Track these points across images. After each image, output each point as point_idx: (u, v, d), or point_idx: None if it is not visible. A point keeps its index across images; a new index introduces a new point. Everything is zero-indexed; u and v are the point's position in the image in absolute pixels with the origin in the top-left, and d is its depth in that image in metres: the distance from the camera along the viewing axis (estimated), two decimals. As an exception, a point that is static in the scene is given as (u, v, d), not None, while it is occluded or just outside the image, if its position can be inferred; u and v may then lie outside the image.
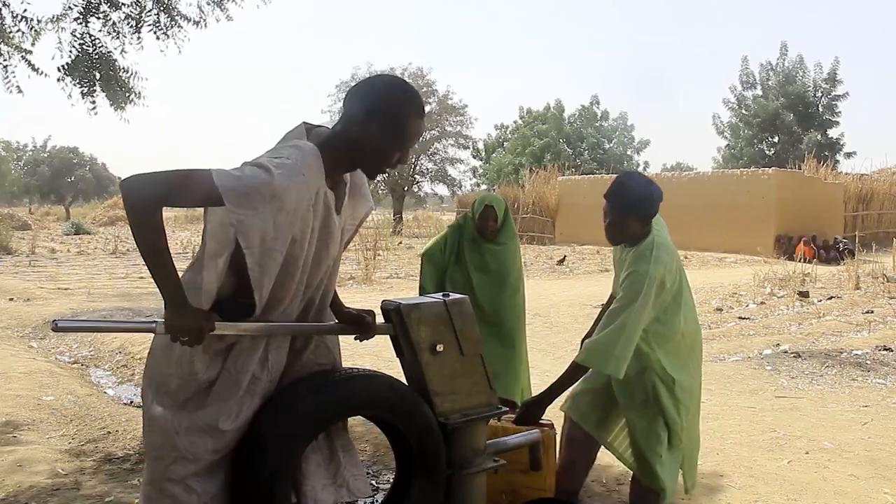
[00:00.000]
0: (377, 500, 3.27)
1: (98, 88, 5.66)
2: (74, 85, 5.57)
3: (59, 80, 5.51)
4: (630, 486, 2.85)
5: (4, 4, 5.29)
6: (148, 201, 1.71)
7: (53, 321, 1.82)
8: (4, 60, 5.43)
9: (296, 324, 2.04)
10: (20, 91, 5.56)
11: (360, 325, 2.22)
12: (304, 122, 1.98)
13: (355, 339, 2.26)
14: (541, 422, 2.75)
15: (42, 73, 5.52)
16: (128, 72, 5.76)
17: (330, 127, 1.97)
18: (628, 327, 2.52)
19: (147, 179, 1.71)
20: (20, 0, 5.45)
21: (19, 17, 5.29)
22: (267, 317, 1.92)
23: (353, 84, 1.92)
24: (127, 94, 5.80)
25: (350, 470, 2.18)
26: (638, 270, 2.57)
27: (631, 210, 2.68)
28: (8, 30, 5.33)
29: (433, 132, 36.27)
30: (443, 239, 3.76)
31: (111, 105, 5.82)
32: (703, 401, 5.16)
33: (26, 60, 5.47)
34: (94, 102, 5.69)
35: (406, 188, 36.44)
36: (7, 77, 5.49)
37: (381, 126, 1.87)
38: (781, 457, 4.01)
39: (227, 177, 1.71)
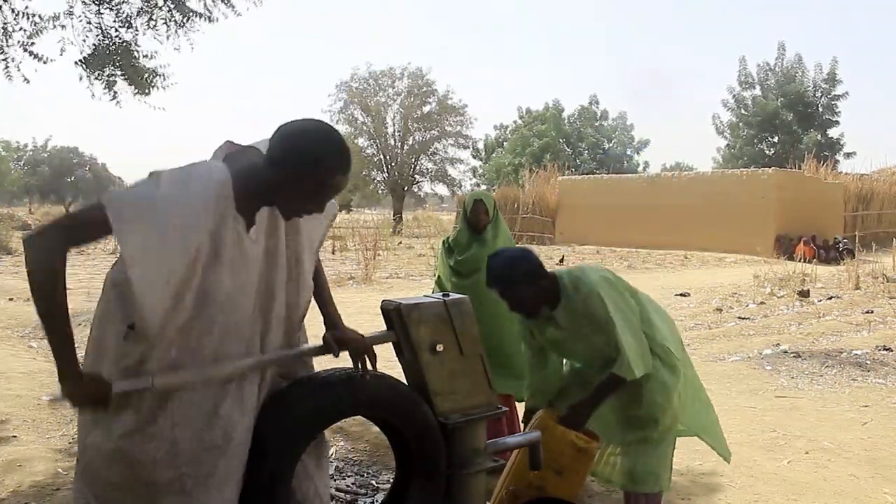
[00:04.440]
0: (377, 500, 3.27)
1: (119, 79, 5.66)
2: (96, 78, 5.57)
3: (81, 78, 5.51)
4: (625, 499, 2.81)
5: (5, 1, 5.29)
6: (52, 246, 1.67)
7: (49, 397, 1.81)
8: (4, 54, 5.43)
9: (230, 364, 1.86)
10: (26, 80, 5.55)
11: (330, 348, 2.11)
12: (228, 142, 1.91)
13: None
14: (588, 432, 2.69)
15: (46, 59, 5.48)
16: (149, 56, 5.76)
17: (259, 146, 1.88)
18: (629, 327, 2.55)
19: (47, 227, 1.70)
20: None
21: (21, 14, 5.29)
22: (185, 359, 1.80)
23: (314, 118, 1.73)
24: (150, 80, 5.79)
25: (315, 481, 2.13)
26: (588, 294, 2.58)
27: (513, 281, 2.60)
28: (10, 27, 5.33)
29: (433, 132, 36.29)
30: (441, 264, 3.84)
31: (136, 92, 5.81)
32: (703, 401, 5.18)
33: (29, 51, 5.46)
34: (115, 94, 5.69)
35: (406, 188, 36.43)
36: (9, 68, 5.48)
37: (298, 177, 1.78)
38: (781, 457, 4.01)
39: (114, 195, 1.70)
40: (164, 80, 5.87)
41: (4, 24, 5.32)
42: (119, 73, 5.64)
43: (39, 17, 5.33)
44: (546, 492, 2.63)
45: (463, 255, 3.68)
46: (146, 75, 5.73)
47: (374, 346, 2.21)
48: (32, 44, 5.44)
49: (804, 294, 10.55)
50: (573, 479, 2.66)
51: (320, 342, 2.16)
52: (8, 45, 5.38)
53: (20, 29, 5.31)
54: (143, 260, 1.68)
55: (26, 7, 5.32)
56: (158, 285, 1.70)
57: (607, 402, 2.70)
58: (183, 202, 1.70)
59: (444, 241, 3.89)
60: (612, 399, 2.69)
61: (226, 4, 5.66)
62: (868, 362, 6.44)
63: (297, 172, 1.77)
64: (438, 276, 3.83)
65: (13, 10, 5.27)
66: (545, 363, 2.90)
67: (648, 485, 2.66)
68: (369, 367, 2.14)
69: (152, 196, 1.69)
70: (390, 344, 2.35)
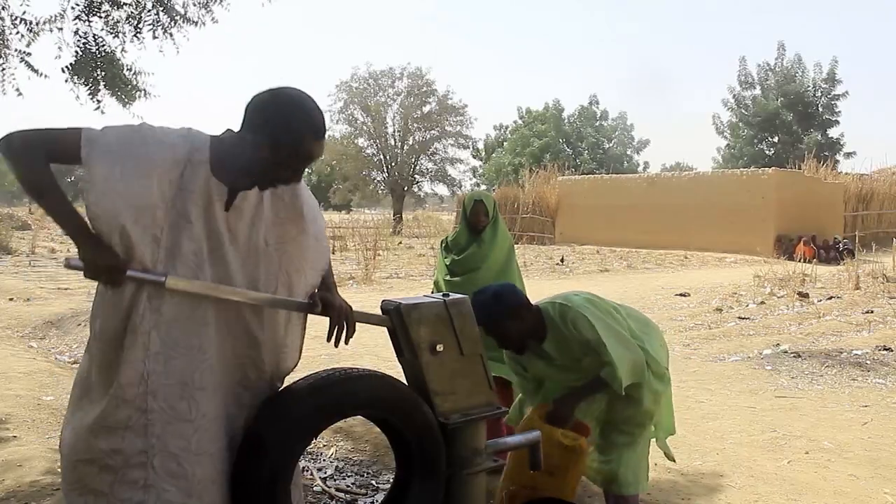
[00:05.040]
0: (377, 500, 3.27)
1: (103, 87, 5.66)
2: (80, 84, 5.57)
3: (66, 80, 5.51)
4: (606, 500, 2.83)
5: (3, 7, 5.27)
6: (33, 151, 1.72)
7: (66, 259, 1.82)
8: (3, 63, 5.42)
9: (239, 290, 1.88)
10: (20, 94, 5.55)
11: (314, 305, 2.05)
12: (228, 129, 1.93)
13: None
14: (579, 425, 2.70)
15: (42, 74, 5.50)
16: (132, 70, 5.76)
17: None
18: (620, 341, 2.58)
19: (23, 135, 1.74)
20: (19, 2, 5.44)
21: (18, 20, 5.27)
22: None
23: (257, 96, 1.73)
24: (133, 92, 5.80)
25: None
26: (575, 318, 2.59)
27: (500, 317, 2.59)
28: (7, 32, 5.32)
29: (433, 132, 36.28)
30: (439, 264, 3.86)
31: (118, 103, 5.82)
32: (702, 401, 5.19)
33: (26, 63, 5.46)
34: (99, 101, 5.70)
35: (406, 188, 36.43)
36: (5, 80, 5.47)
37: (266, 143, 1.78)
38: (781, 457, 4.01)
39: (93, 129, 1.75)
40: (146, 94, 5.90)
41: (2, 30, 5.31)
42: (102, 82, 5.64)
43: (36, 21, 5.32)
44: (540, 493, 2.63)
45: (461, 255, 3.69)
46: (129, 87, 5.74)
47: (380, 338, 2.20)
48: (29, 54, 5.43)
49: (804, 294, 10.55)
50: (566, 478, 2.65)
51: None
52: (6, 54, 5.37)
53: (17, 34, 5.30)
54: (101, 187, 1.72)
55: (24, 12, 5.31)
56: (113, 215, 1.73)
57: (596, 408, 2.74)
58: (153, 145, 1.75)
59: (442, 241, 3.90)
60: (605, 405, 2.73)
61: (206, 10, 5.66)
62: (868, 362, 6.44)
63: (270, 138, 1.78)
64: (437, 277, 3.85)
65: (11, 16, 5.25)
66: (540, 388, 2.92)
67: (632, 487, 2.70)
68: (343, 337, 2.09)
69: (127, 133, 1.75)
70: (390, 344, 2.35)
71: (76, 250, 1.79)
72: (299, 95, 1.82)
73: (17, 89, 5.48)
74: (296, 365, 2.13)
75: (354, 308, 2.16)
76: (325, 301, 2.08)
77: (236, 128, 1.90)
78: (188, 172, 1.79)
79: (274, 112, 1.78)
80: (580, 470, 2.70)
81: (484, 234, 3.66)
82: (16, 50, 5.40)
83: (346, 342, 2.10)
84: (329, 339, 2.09)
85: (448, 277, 3.69)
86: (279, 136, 1.78)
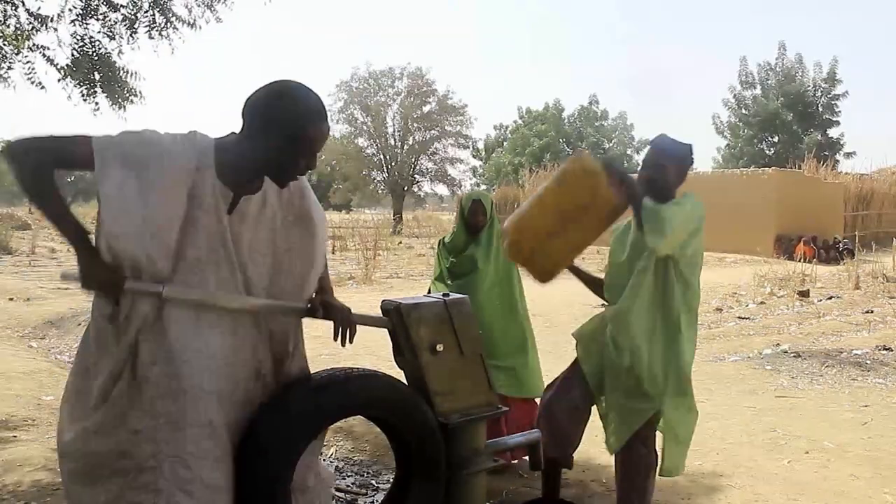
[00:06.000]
0: (377, 500, 3.27)
1: (99, 89, 5.67)
2: (75, 86, 5.58)
3: (59, 80, 5.51)
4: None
5: (22, 2, 5.30)
6: (39, 156, 1.72)
7: (63, 272, 1.84)
8: (24, 57, 5.42)
9: (237, 296, 1.87)
10: (42, 87, 5.55)
11: (314, 310, 2.06)
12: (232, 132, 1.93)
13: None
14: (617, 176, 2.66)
15: (60, 67, 5.49)
16: (127, 72, 5.77)
17: None
18: (685, 214, 2.67)
19: (33, 146, 1.73)
20: None
21: (34, 16, 5.29)
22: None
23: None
24: (127, 94, 5.82)
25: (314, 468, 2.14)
26: (686, 198, 2.72)
27: (675, 155, 2.75)
28: (23, 27, 5.33)
29: (433, 132, 36.27)
30: (438, 264, 3.87)
31: (111, 105, 5.83)
32: (702, 400, 5.19)
33: (46, 56, 5.47)
34: (97, 104, 5.70)
35: (406, 188, 36.42)
36: (28, 74, 5.46)
37: (277, 139, 1.78)
38: (781, 457, 4.01)
39: (103, 137, 1.74)
40: (141, 96, 5.93)
41: (18, 26, 5.31)
42: (99, 85, 5.65)
43: (51, 17, 5.33)
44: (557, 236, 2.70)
45: (459, 256, 3.70)
46: (124, 90, 5.76)
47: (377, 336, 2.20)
48: (47, 48, 5.43)
49: (804, 294, 10.55)
50: (591, 222, 2.76)
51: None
52: (25, 47, 5.36)
53: (33, 29, 5.31)
54: (118, 203, 1.71)
55: (39, 8, 5.34)
56: (132, 230, 1.73)
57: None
58: (166, 156, 1.75)
59: (440, 241, 3.91)
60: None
61: (211, 11, 5.66)
62: (868, 362, 6.45)
63: (279, 134, 1.77)
64: (435, 277, 3.86)
65: (28, 11, 5.26)
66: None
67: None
68: (348, 340, 2.12)
69: (139, 144, 1.75)
70: (390, 343, 2.35)
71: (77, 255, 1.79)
72: (295, 85, 1.83)
73: (40, 83, 5.49)
74: (303, 373, 2.13)
75: (354, 310, 2.16)
76: (326, 305, 2.10)
77: (235, 129, 1.90)
78: (198, 179, 1.79)
79: (276, 107, 1.78)
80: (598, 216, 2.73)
81: (482, 234, 3.67)
82: (34, 44, 5.41)
83: (351, 341, 2.12)
84: (336, 339, 2.11)
85: (447, 277, 3.70)
86: (288, 129, 1.78)
